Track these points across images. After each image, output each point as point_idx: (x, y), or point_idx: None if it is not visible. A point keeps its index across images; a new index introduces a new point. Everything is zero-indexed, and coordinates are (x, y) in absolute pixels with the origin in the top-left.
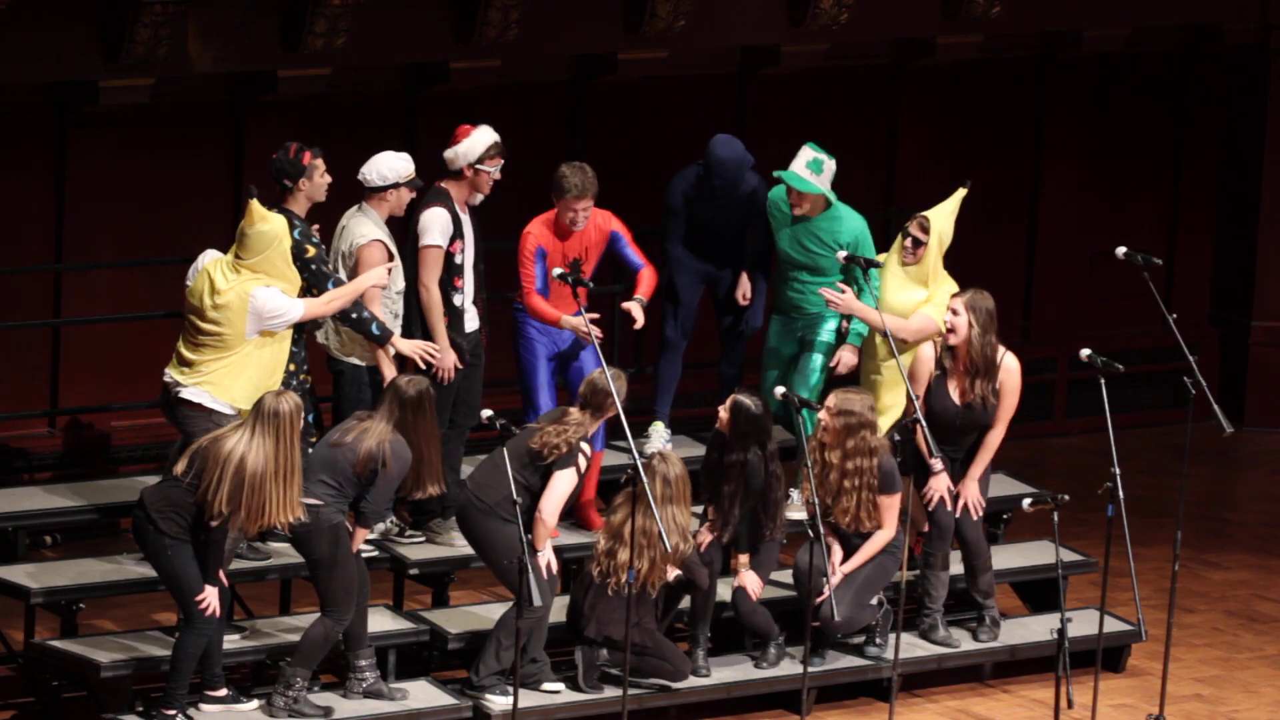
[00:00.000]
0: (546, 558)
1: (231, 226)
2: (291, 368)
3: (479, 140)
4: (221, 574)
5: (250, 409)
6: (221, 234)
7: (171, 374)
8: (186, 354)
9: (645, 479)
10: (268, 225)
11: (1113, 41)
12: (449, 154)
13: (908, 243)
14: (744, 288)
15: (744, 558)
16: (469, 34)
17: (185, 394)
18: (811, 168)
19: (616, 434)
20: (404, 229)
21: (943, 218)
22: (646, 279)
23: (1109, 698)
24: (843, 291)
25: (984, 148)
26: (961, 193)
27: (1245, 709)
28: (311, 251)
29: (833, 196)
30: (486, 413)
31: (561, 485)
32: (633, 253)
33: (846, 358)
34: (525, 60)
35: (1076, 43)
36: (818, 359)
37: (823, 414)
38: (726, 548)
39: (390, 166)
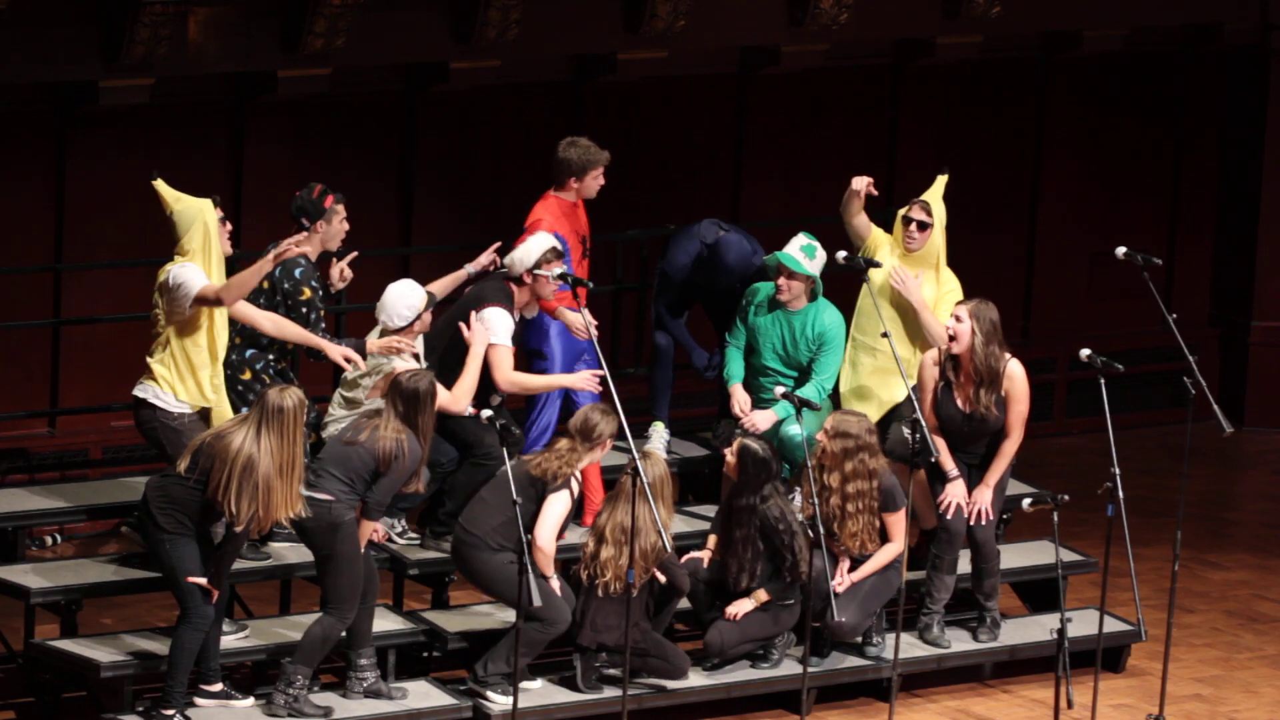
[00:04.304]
0: (559, 584)
1: (231, 227)
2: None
3: (534, 246)
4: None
5: (191, 401)
6: None
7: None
8: (146, 356)
9: (630, 479)
10: (182, 204)
11: (1112, 41)
12: (508, 259)
13: (912, 228)
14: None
15: (760, 593)
16: (469, 34)
17: (137, 390)
18: (805, 252)
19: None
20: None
21: (935, 201)
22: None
23: (1109, 698)
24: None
25: (984, 147)
26: (942, 180)
27: (1245, 709)
28: (307, 294)
29: (819, 288)
30: (486, 412)
31: (557, 508)
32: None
33: (760, 419)
34: (525, 60)
35: (1076, 43)
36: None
37: (820, 435)
38: (744, 593)
39: (407, 304)
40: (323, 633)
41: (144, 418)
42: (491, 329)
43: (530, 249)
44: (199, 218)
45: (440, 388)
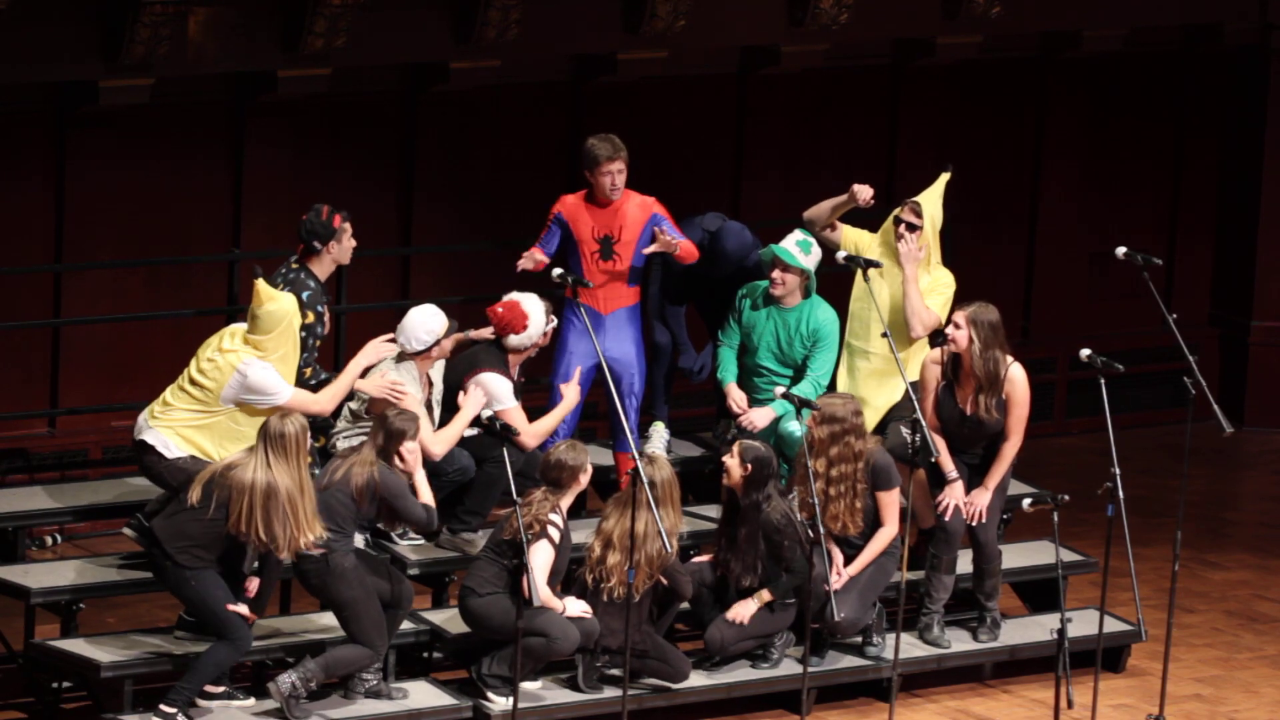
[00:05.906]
0: (578, 608)
1: (231, 226)
2: None
3: (537, 317)
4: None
5: (203, 456)
6: (221, 234)
7: (145, 412)
8: (168, 396)
9: (633, 482)
10: (276, 305)
11: (1112, 41)
12: (515, 341)
13: (902, 229)
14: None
15: (764, 593)
16: (469, 34)
17: (146, 435)
18: (800, 247)
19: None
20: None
21: (931, 201)
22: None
23: (1109, 698)
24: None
25: (984, 148)
26: (945, 177)
27: (1245, 709)
28: (309, 319)
29: (813, 284)
30: (486, 412)
31: (540, 560)
32: (675, 232)
33: (758, 417)
34: (525, 60)
35: (1076, 43)
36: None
37: (809, 421)
38: (746, 592)
39: (427, 329)
40: (355, 659)
41: (149, 463)
42: (494, 396)
43: (536, 321)
44: (286, 319)
45: (426, 425)
